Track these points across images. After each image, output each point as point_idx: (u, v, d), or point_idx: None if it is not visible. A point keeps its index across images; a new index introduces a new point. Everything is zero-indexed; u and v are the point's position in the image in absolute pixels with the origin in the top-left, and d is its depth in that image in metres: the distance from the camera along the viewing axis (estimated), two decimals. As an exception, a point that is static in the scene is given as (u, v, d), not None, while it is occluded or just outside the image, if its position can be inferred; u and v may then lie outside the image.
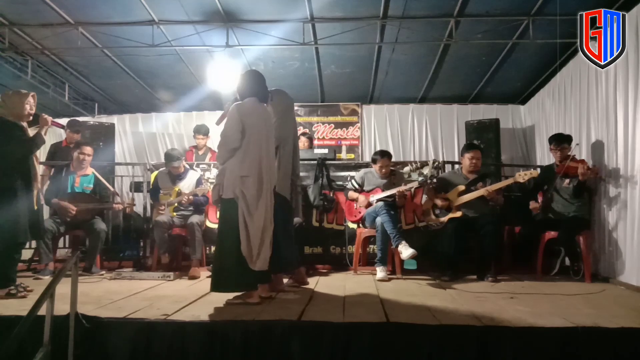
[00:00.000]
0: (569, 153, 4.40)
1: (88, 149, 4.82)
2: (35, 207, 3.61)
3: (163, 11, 5.39)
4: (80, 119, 7.32)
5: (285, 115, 3.69)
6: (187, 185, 4.91)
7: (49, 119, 3.72)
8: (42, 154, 5.35)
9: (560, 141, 4.48)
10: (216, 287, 3.11)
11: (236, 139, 3.09)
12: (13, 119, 3.51)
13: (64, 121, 5.69)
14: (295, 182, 3.79)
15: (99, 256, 4.73)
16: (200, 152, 6.20)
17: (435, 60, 6.41)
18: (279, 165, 3.53)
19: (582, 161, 4.30)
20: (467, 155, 4.53)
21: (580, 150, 4.65)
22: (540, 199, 4.66)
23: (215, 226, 5.21)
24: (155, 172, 5.19)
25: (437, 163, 5.35)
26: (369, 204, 4.56)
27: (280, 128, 3.58)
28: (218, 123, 3.56)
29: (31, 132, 3.60)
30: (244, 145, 3.10)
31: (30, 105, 3.58)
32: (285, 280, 3.81)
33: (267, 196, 3.16)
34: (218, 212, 5.14)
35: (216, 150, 6.23)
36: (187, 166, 5.15)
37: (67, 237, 5.22)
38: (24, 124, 3.58)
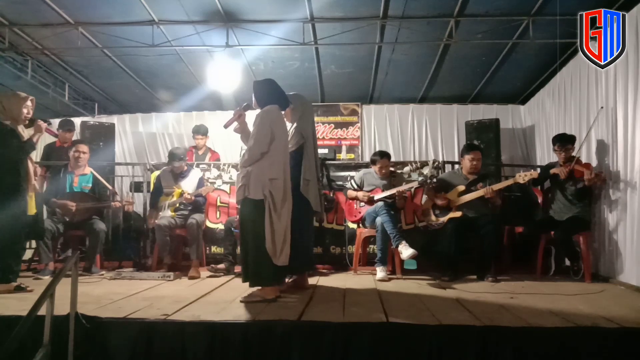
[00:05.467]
0: (573, 154, 4.39)
1: (83, 147, 4.82)
2: (35, 211, 3.66)
3: (163, 11, 5.38)
4: (80, 119, 7.33)
5: (306, 115, 3.80)
6: (189, 184, 4.91)
7: (44, 126, 3.76)
8: (37, 155, 5.35)
9: (565, 142, 4.45)
10: (254, 282, 3.27)
11: (266, 144, 3.26)
12: (9, 122, 3.51)
13: (56, 122, 5.70)
14: (319, 186, 3.88)
15: (99, 256, 4.73)
16: (200, 152, 6.20)
17: (435, 60, 6.41)
18: (307, 163, 3.64)
19: (588, 165, 4.29)
20: (468, 157, 4.52)
21: (581, 151, 4.65)
22: (540, 198, 4.66)
23: (216, 226, 5.25)
24: (155, 173, 5.19)
25: (437, 163, 5.35)
26: (370, 200, 4.55)
27: (303, 127, 3.70)
28: (227, 126, 3.59)
29: (26, 135, 3.61)
30: (272, 150, 3.28)
31: (28, 109, 3.61)
32: (285, 280, 3.81)
33: (290, 198, 3.35)
34: (218, 212, 5.24)
35: (216, 151, 6.33)
36: (189, 166, 5.14)
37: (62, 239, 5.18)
38: (20, 128, 3.59)
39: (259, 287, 3.25)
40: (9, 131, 3.53)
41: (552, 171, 4.43)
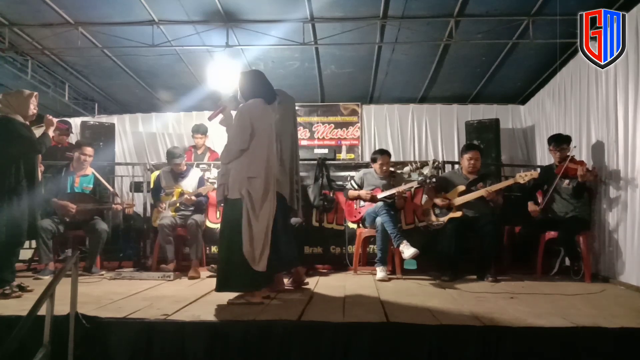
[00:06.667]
0: (568, 154, 4.40)
1: (89, 150, 4.81)
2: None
3: (163, 11, 5.39)
4: (80, 119, 7.34)
5: (285, 112, 3.67)
6: (189, 183, 4.91)
7: (54, 119, 3.78)
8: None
9: (560, 142, 4.49)
10: (220, 287, 3.12)
11: (245, 141, 3.08)
12: (19, 118, 3.52)
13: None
14: (296, 182, 3.77)
15: (99, 256, 4.72)
16: (199, 152, 6.18)
17: (435, 60, 6.41)
18: (279, 161, 3.48)
19: (582, 162, 4.30)
20: (466, 156, 4.53)
21: (581, 151, 4.65)
22: (540, 199, 4.66)
23: (216, 226, 5.24)
24: (155, 172, 5.18)
25: (437, 163, 5.35)
26: (373, 198, 4.55)
27: (279, 123, 3.55)
28: (211, 119, 3.52)
29: (35, 131, 3.63)
30: (251, 147, 3.09)
31: (34, 105, 3.62)
32: (285, 280, 3.80)
33: (271, 197, 3.14)
34: (218, 212, 5.23)
35: (215, 150, 6.33)
36: (189, 166, 5.14)
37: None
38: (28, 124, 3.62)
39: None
40: (27, 127, 3.55)
41: (529, 208, 4.51)
